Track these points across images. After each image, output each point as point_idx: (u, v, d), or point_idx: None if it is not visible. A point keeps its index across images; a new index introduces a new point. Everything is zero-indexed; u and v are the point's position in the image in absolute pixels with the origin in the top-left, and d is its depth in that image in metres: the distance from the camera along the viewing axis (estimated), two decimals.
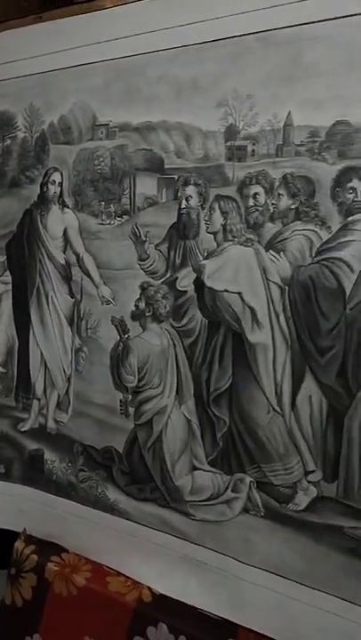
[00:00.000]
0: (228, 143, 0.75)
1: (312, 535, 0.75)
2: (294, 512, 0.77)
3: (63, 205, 0.93)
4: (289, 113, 0.70)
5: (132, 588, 0.89)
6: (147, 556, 0.91)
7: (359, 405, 0.70)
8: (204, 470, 0.84)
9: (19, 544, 1.00)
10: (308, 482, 0.75)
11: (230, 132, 0.75)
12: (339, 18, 0.66)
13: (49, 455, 1.02)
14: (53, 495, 1.01)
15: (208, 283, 0.79)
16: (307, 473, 0.76)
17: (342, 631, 0.74)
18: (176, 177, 0.80)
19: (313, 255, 0.71)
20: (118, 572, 0.93)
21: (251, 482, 0.80)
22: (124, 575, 0.92)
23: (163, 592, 0.88)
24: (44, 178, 0.94)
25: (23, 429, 1.04)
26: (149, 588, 0.89)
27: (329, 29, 0.66)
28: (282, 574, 0.79)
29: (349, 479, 0.72)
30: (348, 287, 0.69)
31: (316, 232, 0.70)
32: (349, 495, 0.72)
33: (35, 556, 0.97)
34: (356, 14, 0.65)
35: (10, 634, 0.96)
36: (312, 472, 0.75)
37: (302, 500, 0.76)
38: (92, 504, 0.97)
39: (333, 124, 0.67)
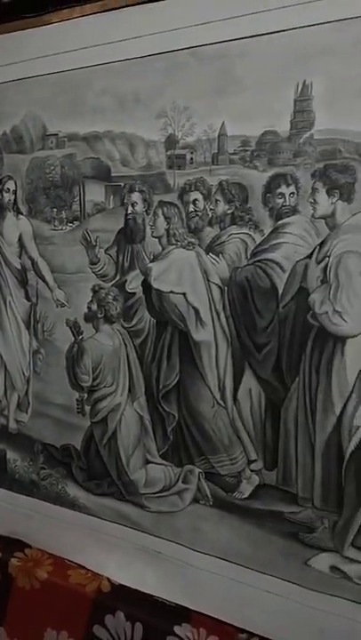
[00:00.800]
0: (169, 152, 0.79)
1: (255, 521, 0.80)
2: (239, 500, 0.81)
3: (17, 212, 0.96)
4: (223, 123, 0.74)
5: (92, 580, 0.93)
6: (106, 549, 0.94)
7: (293, 397, 0.75)
8: (156, 463, 0.88)
9: None
10: (251, 471, 0.80)
11: (170, 142, 0.79)
12: (265, 34, 0.70)
13: (11, 455, 1.05)
14: (16, 493, 1.04)
15: (155, 285, 0.83)
16: (249, 462, 0.80)
17: (285, 611, 0.78)
18: (122, 184, 0.84)
19: (248, 257, 0.75)
20: (79, 564, 0.96)
21: (199, 473, 0.84)
22: (84, 568, 0.96)
23: (121, 582, 0.92)
24: None
25: None
26: (109, 579, 0.92)
27: (256, 45, 0.71)
28: (230, 559, 0.83)
29: (287, 467, 0.77)
30: (280, 287, 0.74)
31: (250, 235, 0.75)
32: (288, 482, 0.77)
33: None
34: (279, 31, 0.69)
35: None
36: (254, 461, 0.79)
37: (246, 489, 0.80)
38: (54, 500, 1.00)
39: (262, 134, 0.72)
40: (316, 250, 0.71)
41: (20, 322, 0.99)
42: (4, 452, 1.05)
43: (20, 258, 0.97)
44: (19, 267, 0.98)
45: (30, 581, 0.95)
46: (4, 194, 0.97)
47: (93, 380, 0.91)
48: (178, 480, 0.86)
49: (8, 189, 0.96)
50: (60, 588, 0.93)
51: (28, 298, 0.97)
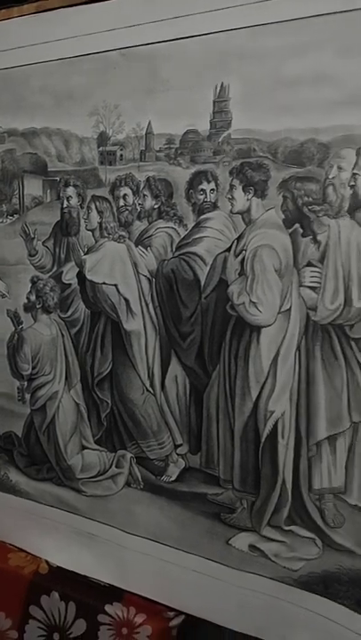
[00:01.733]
0: (100, 148, 0.82)
1: (182, 503, 0.84)
2: (167, 483, 0.85)
3: None
4: (149, 122, 0.78)
5: (31, 562, 0.96)
6: (45, 532, 0.97)
7: (215, 384, 0.79)
8: (91, 449, 0.91)
9: None
10: (177, 455, 0.84)
11: (102, 139, 0.82)
12: (187, 38, 0.74)
13: None
14: None
15: (89, 276, 0.86)
16: (176, 447, 0.84)
17: (209, 589, 0.82)
18: (58, 179, 0.87)
19: (173, 250, 0.79)
20: (20, 548, 0.99)
21: (131, 457, 0.88)
22: (24, 551, 0.99)
23: (59, 564, 0.95)
24: None
25: None
26: (47, 562, 0.95)
27: (179, 48, 0.74)
28: (160, 541, 0.87)
29: (210, 450, 0.80)
30: (202, 278, 0.77)
31: (175, 229, 0.78)
32: (210, 465, 0.81)
33: None
34: (199, 35, 0.72)
35: None
36: (180, 445, 0.83)
37: (173, 472, 0.84)
38: None
39: (185, 133, 0.75)
40: (234, 243, 0.74)
41: None
42: None
43: None
44: None
45: None
46: None
47: (33, 368, 0.94)
48: (111, 465, 0.89)
49: None
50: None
51: None
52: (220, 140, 0.73)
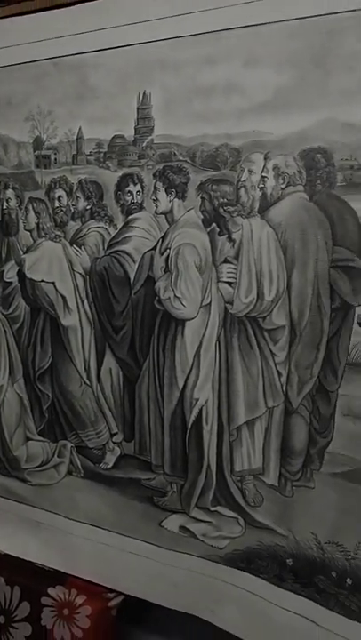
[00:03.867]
0: (36, 152, 0.86)
1: (119, 489, 0.88)
2: (105, 470, 0.89)
3: None
4: (80, 127, 0.82)
5: None
6: None
7: (145, 375, 0.83)
8: (35, 440, 0.95)
9: None
10: (114, 443, 0.88)
11: (37, 143, 0.86)
12: (113, 48, 0.78)
13: None
14: None
15: (28, 274, 0.90)
16: (112, 435, 0.88)
17: (145, 569, 0.87)
18: None
19: (105, 248, 0.83)
20: None
21: (72, 447, 0.92)
22: None
23: (6, 552, 0.98)
24: None
25: None
26: None
27: (106, 58, 0.79)
28: (99, 525, 0.91)
29: (142, 438, 0.85)
30: (132, 275, 0.82)
31: (106, 229, 0.83)
32: (143, 451, 0.85)
33: None
34: (124, 46, 0.77)
35: None
36: (116, 434, 0.88)
37: (110, 459, 0.88)
38: None
39: (113, 138, 0.80)
40: (159, 242, 0.79)
41: None
42: None
43: None
44: None
45: None
46: None
47: None
48: (54, 454, 0.93)
49: None
50: None
51: None
52: (144, 144, 0.78)
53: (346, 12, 0.63)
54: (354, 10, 0.63)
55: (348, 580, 0.69)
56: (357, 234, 0.66)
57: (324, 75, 0.65)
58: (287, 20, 0.66)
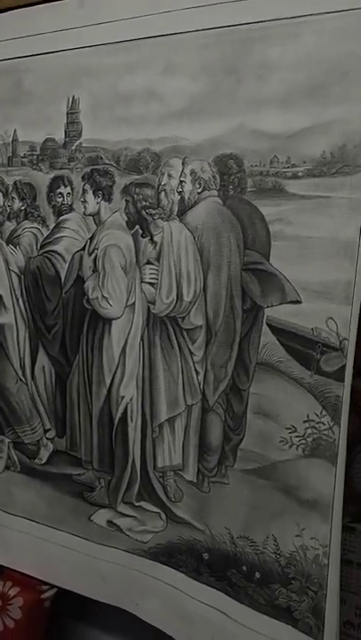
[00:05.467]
0: None
1: (53, 483, 0.90)
2: (39, 465, 0.91)
3: None
4: (15, 130, 0.84)
5: None
6: None
7: (76, 372, 0.85)
8: None
9: None
10: (47, 439, 0.90)
11: None
12: (43, 54, 0.80)
13: None
14: None
15: None
16: (45, 431, 0.90)
17: (76, 562, 0.89)
18: None
19: (38, 248, 0.86)
20: None
21: (9, 442, 0.94)
22: None
23: None
24: None
25: None
26: None
27: (37, 63, 0.81)
28: (34, 519, 0.93)
29: (73, 434, 0.87)
30: (63, 275, 0.84)
31: (39, 229, 0.85)
32: (74, 447, 0.87)
33: None
34: (53, 52, 0.79)
35: None
36: (49, 430, 0.90)
37: (44, 455, 0.90)
38: None
39: (45, 141, 0.82)
40: (88, 243, 0.81)
41: None
42: None
43: None
44: None
45: None
46: None
47: None
48: None
49: None
50: None
51: None
52: (73, 147, 0.80)
53: (256, 22, 0.66)
54: (263, 21, 0.65)
55: (257, 574, 0.71)
56: (266, 238, 0.68)
57: (235, 83, 0.67)
58: (201, 30, 0.68)
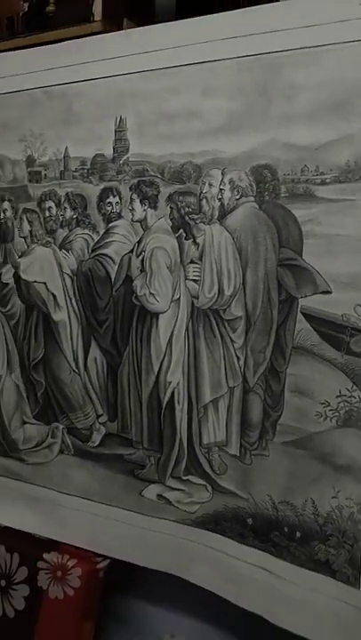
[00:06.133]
0: (29, 169, 0.99)
1: (105, 464, 1.00)
2: (92, 448, 1.01)
3: None
4: (66, 147, 0.94)
5: None
6: None
7: (126, 362, 0.95)
8: (31, 423, 1.07)
9: None
10: (99, 423, 1.00)
11: (29, 161, 0.98)
12: (93, 80, 0.90)
13: None
14: None
15: (23, 276, 1.02)
16: (98, 416, 1.00)
17: (128, 534, 0.98)
18: None
19: (89, 252, 0.96)
20: None
21: (63, 428, 1.03)
22: None
23: (5, 524, 1.10)
24: None
25: None
26: None
27: (87, 88, 0.91)
28: (88, 497, 1.02)
29: (124, 418, 0.97)
30: (112, 275, 0.94)
31: (90, 235, 0.95)
32: (125, 430, 0.97)
33: None
34: (102, 77, 0.89)
35: None
36: (101, 415, 0.99)
37: (97, 438, 1.00)
38: None
39: (94, 156, 0.92)
40: (136, 246, 0.91)
41: None
42: None
43: None
44: None
45: None
46: None
47: None
48: (48, 436, 1.05)
49: None
50: None
51: None
52: (121, 162, 0.90)
53: (283, 51, 0.76)
54: (290, 49, 0.75)
55: (298, 534, 0.81)
56: (299, 237, 0.78)
57: (267, 102, 0.77)
58: (237, 58, 0.78)
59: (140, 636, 1.04)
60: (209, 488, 0.90)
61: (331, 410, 0.77)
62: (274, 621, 0.82)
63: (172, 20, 0.96)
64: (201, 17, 0.79)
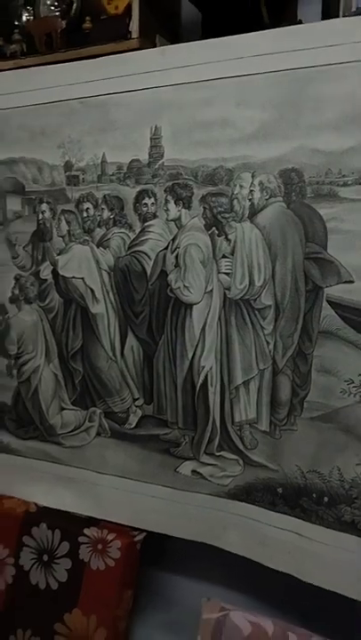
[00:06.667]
0: (67, 173, 1.07)
1: (141, 444, 1.08)
2: (129, 430, 1.09)
3: None
4: (103, 153, 1.03)
5: (22, 505, 1.19)
6: (33, 481, 1.20)
7: (161, 350, 1.04)
8: (68, 409, 1.15)
9: None
10: (136, 406, 1.08)
11: (68, 166, 1.07)
12: (130, 91, 0.99)
13: None
14: None
15: (61, 272, 1.10)
16: (134, 400, 1.08)
17: (164, 509, 1.07)
18: (34, 197, 1.11)
19: (126, 249, 1.04)
20: (12, 496, 1.22)
21: (100, 413, 1.12)
22: (16, 498, 1.22)
23: (45, 505, 1.18)
24: None
25: None
26: (35, 504, 1.19)
27: (125, 99, 1.00)
28: (125, 476, 1.11)
29: (160, 400, 1.05)
30: (148, 270, 1.02)
31: (126, 233, 1.04)
32: (161, 411, 1.06)
33: None
34: (139, 89, 0.98)
35: None
36: (137, 399, 1.08)
37: (133, 420, 1.09)
38: None
39: (131, 161, 1.01)
40: (170, 243, 1.00)
41: None
42: None
43: None
44: None
45: None
46: None
47: (18, 348, 1.18)
48: (85, 420, 1.13)
49: None
50: None
51: None
52: (156, 166, 0.99)
53: (311, 67, 0.85)
54: (316, 66, 0.85)
55: (325, 499, 0.90)
56: (323, 233, 0.87)
57: (296, 113, 0.87)
58: (268, 72, 0.88)
59: (177, 606, 1.13)
60: (241, 462, 0.99)
61: (354, 387, 0.87)
62: (304, 579, 0.91)
63: (197, 35, 1.06)
64: (235, 36, 0.88)
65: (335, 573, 0.89)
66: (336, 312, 0.87)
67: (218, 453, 1.01)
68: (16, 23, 1.16)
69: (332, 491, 0.90)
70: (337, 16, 0.90)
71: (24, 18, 1.15)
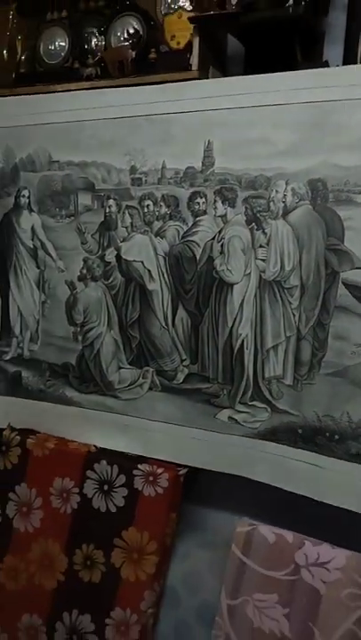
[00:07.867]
0: (132, 176, 1.32)
1: (186, 396, 1.34)
2: (176, 384, 1.35)
3: (30, 210, 1.46)
4: (163, 161, 1.27)
5: (84, 446, 1.45)
6: (93, 428, 1.45)
7: (206, 320, 1.29)
8: (125, 368, 1.41)
9: (6, 432, 1.52)
10: (183, 366, 1.34)
11: (132, 170, 1.31)
12: (188, 112, 1.24)
13: (25, 374, 1.55)
14: (28, 399, 1.55)
15: (124, 256, 1.36)
16: (182, 361, 1.34)
17: (205, 449, 1.32)
18: (102, 194, 1.36)
19: (180, 239, 1.29)
20: (74, 440, 1.48)
21: (152, 371, 1.37)
22: (78, 442, 1.48)
23: (103, 446, 1.44)
24: (17, 193, 1.48)
25: (6, 358, 1.57)
26: (95, 446, 1.44)
27: (183, 118, 1.24)
28: (171, 422, 1.36)
29: (203, 360, 1.31)
30: (198, 256, 1.28)
31: (180, 226, 1.28)
32: (204, 369, 1.31)
33: (18, 437, 1.50)
34: (196, 111, 1.23)
35: (3, 487, 1.50)
36: (184, 360, 1.34)
37: (180, 377, 1.34)
38: (56, 401, 1.51)
39: (186, 168, 1.25)
40: (217, 235, 1.25)
41: (32, 283, 1.49)
42: (19, 372, 1.55)
43: (32, 240, 1.48)
44: (31, 246, 1.48)
45: (42, 451, 1.46)
46: (21, 198, 1.47)
47: (84, 318, 1.43)
48: (139, 377, 1.39)
49: (24, 195, 1.46)
50: (62, 453, 1.44)
51: (38, 267, 1.48)
52: (207, 173, 1.23)
53: (334, 100, 1.10)
54: (338, 100, 1.10)
55: (336, 436, 1.16)
56: (341, 229, 1.12)
57: (321, 135, 1.12)
58: (300, 103, 1.13)
59: (209, 529, 1.39)
60: (269, 409, 1.24)
61: None
62: (319, 499, 1.17)
63: (240, 67, 1.30)
64: (275, 73, 1.13)
65: (347, 495, 1.15)
66: (349, 291, 1.13)
67: (250, 403, 1.26)
68: (86, 47, 1.40)
69: (342, 430, 1.16)
70: (356, 58, 1.15)
71: (93, 44, 1.39)
